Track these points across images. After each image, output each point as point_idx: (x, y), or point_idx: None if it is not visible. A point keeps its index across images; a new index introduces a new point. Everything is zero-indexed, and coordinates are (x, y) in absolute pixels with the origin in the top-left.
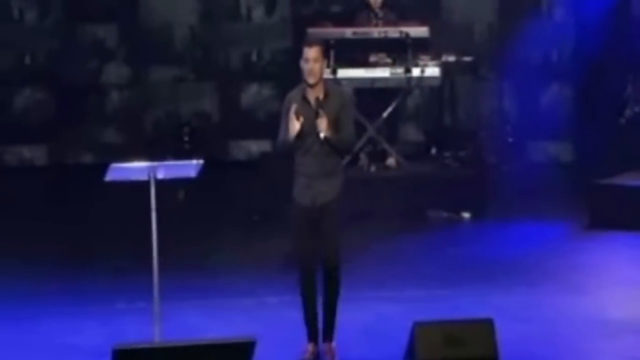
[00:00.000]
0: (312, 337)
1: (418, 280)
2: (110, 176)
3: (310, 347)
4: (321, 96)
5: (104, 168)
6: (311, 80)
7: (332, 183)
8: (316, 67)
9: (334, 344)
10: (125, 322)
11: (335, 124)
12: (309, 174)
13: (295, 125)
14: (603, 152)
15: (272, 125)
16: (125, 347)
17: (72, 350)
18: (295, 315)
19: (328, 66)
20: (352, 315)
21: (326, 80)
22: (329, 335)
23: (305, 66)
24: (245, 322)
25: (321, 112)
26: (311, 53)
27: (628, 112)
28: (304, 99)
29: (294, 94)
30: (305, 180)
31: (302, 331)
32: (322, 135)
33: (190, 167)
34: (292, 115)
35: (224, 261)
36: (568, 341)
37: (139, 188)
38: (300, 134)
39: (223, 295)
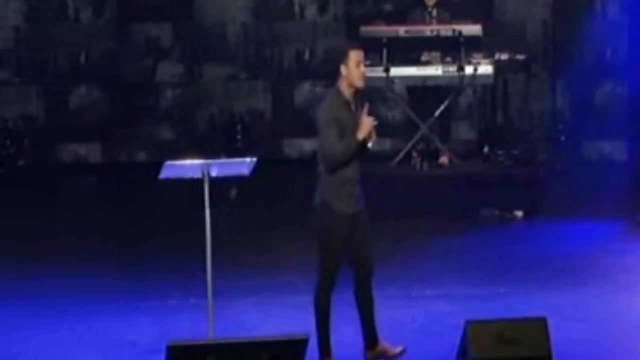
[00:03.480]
0: (329, 351)
1: (470, 279)
2: (164, 174)
3: None
4: (355, 102)
5: (157, 166)
6: (362, 84)
7: (359, 188)
8: (365, 70)
9: (383, 341)
10: (179, 319)
11: None
12: (352, 181)
13: (369, 124)
14: None
15: None
16: (179, 344)
17: (127, 346)
18: (349, 313)
19: (381, 65)
20: (405, 314)
21: None
22: (377, 338)
23: (358, 70)
24: (298, 320)
25: (366, 106)
26: (362, 56)
27: None
28: (346, 104)
29: (333, 100)
30: (350, 188)
31: (352, 329)
32: (370, 145)
33: (243, 165)
34: (367, 117)
35: (277, 259)
36: (620, 341)
37: (192, 186)
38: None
39: (277, 292)
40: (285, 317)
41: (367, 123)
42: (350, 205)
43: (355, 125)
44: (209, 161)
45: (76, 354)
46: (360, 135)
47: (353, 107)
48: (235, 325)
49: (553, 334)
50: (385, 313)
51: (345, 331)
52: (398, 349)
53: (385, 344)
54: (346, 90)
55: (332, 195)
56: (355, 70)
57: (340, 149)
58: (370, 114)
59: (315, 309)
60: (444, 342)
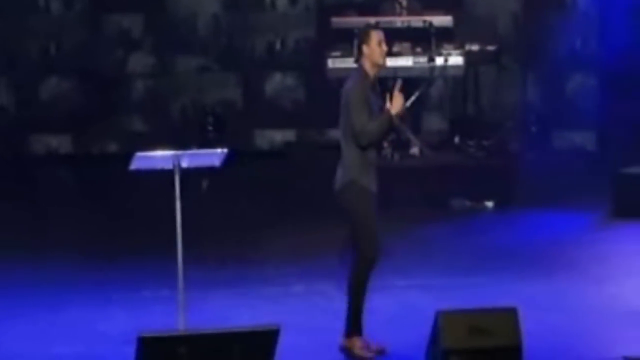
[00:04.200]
0: (361, 329)
1: (442, 269)
2: (135, 165)
3: (363, 341)
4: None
5: (129, 157)
6: (385, 62)
7: None
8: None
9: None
10: (151, 311)
11: None
12: (373, 161)
13: (401, 99)
14: (627, 141)
15: (296, 114)
16: (150, 335)
17: (99, 338)
18: (321, 304)
19: (352, 55)
20: (377, 304)
21: None
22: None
23: (381, 49)
24: (271, 311)
25: (398, 83)
26: (383, 36)
27: None
28: (371, 83)
29: (361, 80)
30: (373, 168)
31: (327, 320)
32: (394, 110)
33: (214, 156)
34: (399, 94)
35: (250, 250)
36: (592, 331)
37: (165, 177)
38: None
39: (249, 284)
40: (257, 308)
41: (398, 99)
42: (373, 185)
43: (377, 104)
44: (180, 152)
45: (49, 345)
46: (394, 110)
47: (395, 91)
48: (208, 316)
49: (524, 324)
50: None
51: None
52: (379, 347)
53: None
54: (370, 70)
55: (359, 174)
56: (377, 48)
57: (375, 127)
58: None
59: (355, 285)
60: (416, 333)
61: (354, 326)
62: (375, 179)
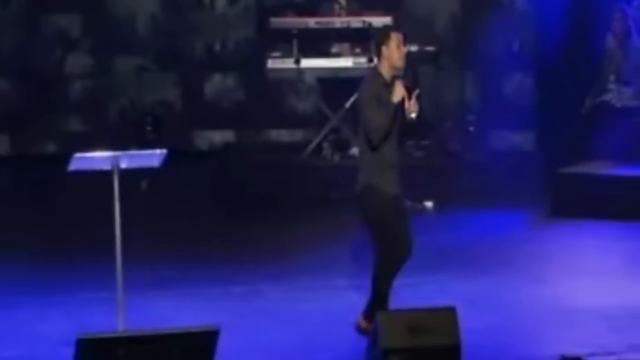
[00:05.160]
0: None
1: None
2: (73, 166)
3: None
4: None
5: (67, 158)
6: (402, 65)
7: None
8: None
9: None
10: (91, 312)
11: None
12: (392, 162)
13: (402, 88)
14: (565, 141)
15: (236, 115)
16: (89, 336)
17: (38, 339)
18: (261, 305)
19: (292, 55)
20: (319, 304)
21: None
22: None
23: (399, 51)
24: (212, 312)
25: (416, 92)
26: (403, 39)
27: (589, 103)
28: (385, 85)
29: (373, 80)
30: (391, 169)
31: (267, 320)
32: (413, 115)
33: (153, 157)
34: (400, 83)
35: (190, 251)
36: (530, 330)
37: (104, 178)
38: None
39: (189, 284)
40: (198, 309)
41: (399, 88)
42: (392, 187)
43: (391, 107)
44: (119, 153)
45: None
46: (395, 98)
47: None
48: (148, 317)
49: (463, 323)
50: (296, 304)
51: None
52: None
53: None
54: (386, 72)
55: (375, 177)
56: (396, 51)
57: (381, 120)
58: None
59: (377, 287)
60: (356, 333)
61: (376, 310)
62: (395, 180)
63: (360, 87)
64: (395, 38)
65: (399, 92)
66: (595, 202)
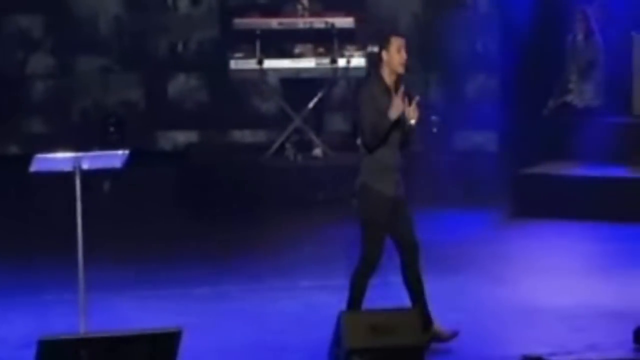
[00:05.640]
0: None
1: (346, 270)
2: (35, 167)
3: None
4: (395, 88)
5: (29, 159)
6: (402, 70)
7: (401, 176)
8: (406, 57)
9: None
10: (53, 314)
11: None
12: (391, 165)
13: (400, 103)
14: (527, 142)
15: (199, 115)
16: (50, 338)
17: None
18: (225, 305)
19: (255, 56)
20: (282, 304)
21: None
22: (430, 318)
23: (399, 56)
24: (174, 313)
25: (416, 99)
26: (404, 42)
27: (551, 103)
28: (386, 90)
29: (373, 84)
30: (390, 173)
31: (230, 321)
32: (412, 122)
33: (115, 158)
34: (399, 95)
35: (152, 252)
36: (492, 329)
37: (67, 179)
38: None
39: (152, 285)
40: (161, 310)
41: (398, 102)
42: (390, 189)
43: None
44: (81, 154)
45: None
46: (392, 114)
47: (394, 94)
48: (110, 319)
49: None
50: (260, 305)
51: None
52: (451, 332)
53: (439, 325)
54: (387, 77)
55: (371, 178)
56: (396, 55)
57: (372, 126)
58: (410, 101)
59: (351, 287)
60: (319, 333)
61: None
62: (393, 182)
63: (360, 90)
64: (395, 42)
65: (397, 108)
66: (558, 202)
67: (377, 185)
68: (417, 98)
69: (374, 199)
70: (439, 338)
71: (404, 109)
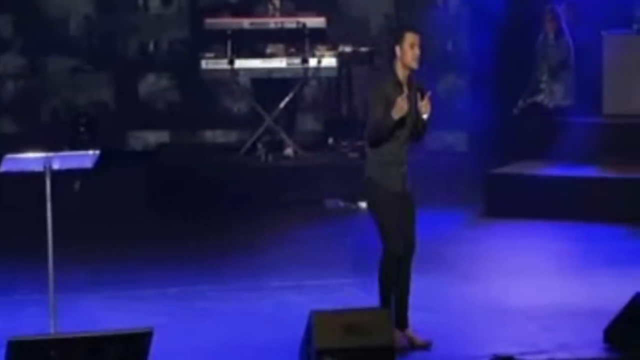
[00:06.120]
0: (397, 322)
1: (316, 270)
2: (4, 167)
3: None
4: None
5: None
6: (415, 66)
7: (408, 170)
8: (420, 53)
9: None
10: (23, 314)
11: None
12: (399, 161)
13: (404, 106)
14: (497, 141)
15: (170, 115)
16: (20, 339)
17: None
18: (195, 305)
19: (226, 56)
20: (253, 304)
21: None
22: (406, 321)
23: (412, 52)
24: (145, 313)
25: (428, 94)
26: (419, 39)
27: (521, 103)
28: (398, 84)
29: (386, 79)
30: (396, 168)
31: (201, 321)
32: (425, 116)
33: (86, 158)
34: (404, 97)
35: (123, 252)
36: (462, 329)
37: (37, 179)
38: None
39: (123, 286)
40: (132, 310)
41: (401, 104)
42: (395, 184)
43: (407, 108)
44: (51, 154)
45: None
46: (395, 115)
47: (406, 89)
48: (80, 319)
49: None
50: (231, 305)
51: None
52: (424, 341)
53: (413, 331)
54: (400, 72)
55: (376, 172)
56: (409, 51)
57: (377, 121)
58: (423, 96)
59: (380, 283)
60: (290, 333)
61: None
62: (398, 177)
63: (374, 84)
64: (408, 38)
65: (399, 110)
66: (528, 202)
67: (381, 180)
68: (429, 93)
69: (377, 192)
70: (411, 343)
71: (407, 111)
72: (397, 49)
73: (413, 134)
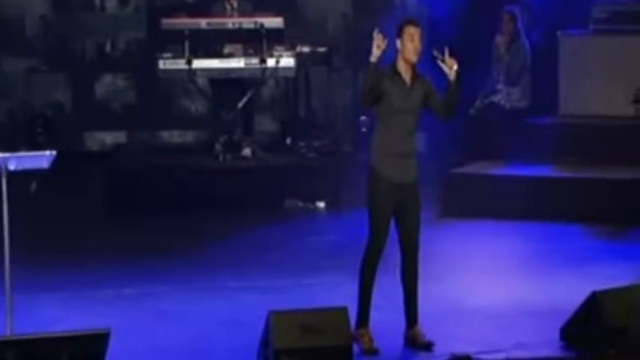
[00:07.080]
0: (365, 322)
1: (275, 270)
2: None
3: (365, 331)
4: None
5: None
6: (415, 59)
7: (415, 162)
8: (420, 46)
9: (419, 326)
10: None
11: (426, 103)
12: (400, 151)
13: (381, 44)
14: (454, 142)
15: (127, 116)
16: None
17: None
18: (152, 306)
19: (183, 57)
20: (211, 305)
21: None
22: (415, 318)
23: (411, 44)
24: (102, 314)
25: (446, 50)
26: (418, 31)
27: (478, 104)
28: (397, 75)
29: (386, 67)
30: (396, 158)
31: (159, 322)
32: (455, 68)
33: (42, 159)
34: (378, 36)
35: (79, 253)
36: (429, 329)
37: None
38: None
39: (79, 287)
40: (89, 312)
41: (377, 40)
42: (395, 175)
43: (400, 97)
44: (7, 155)
45: None
46: (373, 57)
47: (409, 81)
48: (37, 320)
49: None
50: (188, 305)
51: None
52: (426, 342)
53: (419, 330)
54: (401, 65)
55: (377, 162)
56: (408, 44)
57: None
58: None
59: (360, 275)
60: (248, 333)
61: (359, 316)
62: (399, 168)
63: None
64: (408, 31)
65: (377, 48)
66: (485, 202)
67: (382, 170)
68: (446, 49)
69: (379, 183)
70: (413, 342)
71: (379, 54)
72: (398, 42)
73: (445, 106)
